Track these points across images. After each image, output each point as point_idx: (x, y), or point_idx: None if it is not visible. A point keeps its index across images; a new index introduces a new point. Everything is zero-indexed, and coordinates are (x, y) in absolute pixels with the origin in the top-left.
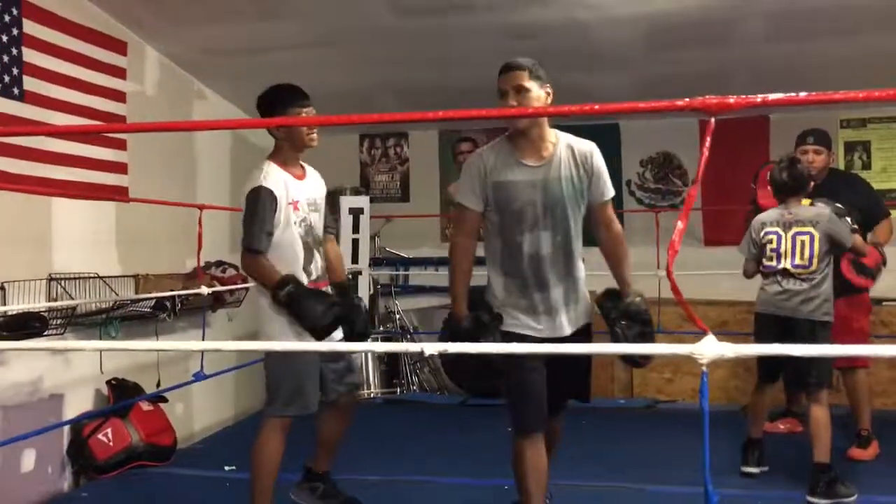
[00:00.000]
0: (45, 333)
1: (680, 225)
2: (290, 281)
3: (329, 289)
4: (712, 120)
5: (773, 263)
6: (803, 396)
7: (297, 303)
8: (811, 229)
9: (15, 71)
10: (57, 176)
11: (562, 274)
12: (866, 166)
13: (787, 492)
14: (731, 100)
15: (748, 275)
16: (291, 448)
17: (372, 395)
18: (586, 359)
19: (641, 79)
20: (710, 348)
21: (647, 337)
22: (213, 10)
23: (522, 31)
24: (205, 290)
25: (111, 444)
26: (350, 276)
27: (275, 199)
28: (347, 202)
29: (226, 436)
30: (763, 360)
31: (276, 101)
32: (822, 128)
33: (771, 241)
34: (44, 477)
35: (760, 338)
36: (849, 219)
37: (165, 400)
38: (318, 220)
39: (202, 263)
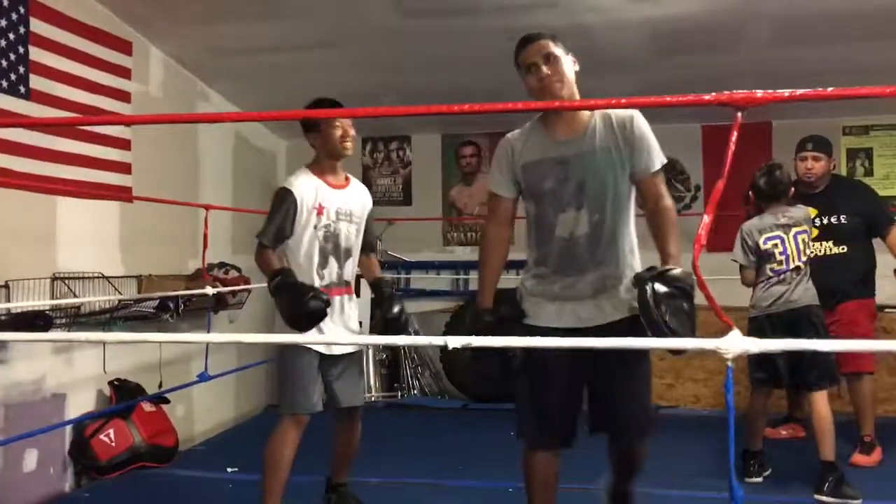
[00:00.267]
0: (49, 332)
1: (706, 219)
2: (280, 273)
3: (348, 297)
4: (739, 114)
5: (784, 267)
6: (805, 402)
7: (279, 294)
8: (806, 227)
9: (21, 69)
10: (62, 175)
11: (602, 257)
12: (868, 173)
13: (795, 497)
14: (759, 94)
15: (748, 283)
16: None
17: (373, 399)
18: (636, 363)
19: (647, 83)
20: (735, 343)
21: (683, 314)
22: (217, 10)
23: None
24: (210, 290)
25: (113, 444)
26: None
27: (294, 200)
28: None
29: (227, 437)
30: (766, 364)
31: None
32: (823, 135)
33: (777, 247)
34: (45, 477)
35: (767, 338)
36: None
37: (167, 401)
38: (350, 231)
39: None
